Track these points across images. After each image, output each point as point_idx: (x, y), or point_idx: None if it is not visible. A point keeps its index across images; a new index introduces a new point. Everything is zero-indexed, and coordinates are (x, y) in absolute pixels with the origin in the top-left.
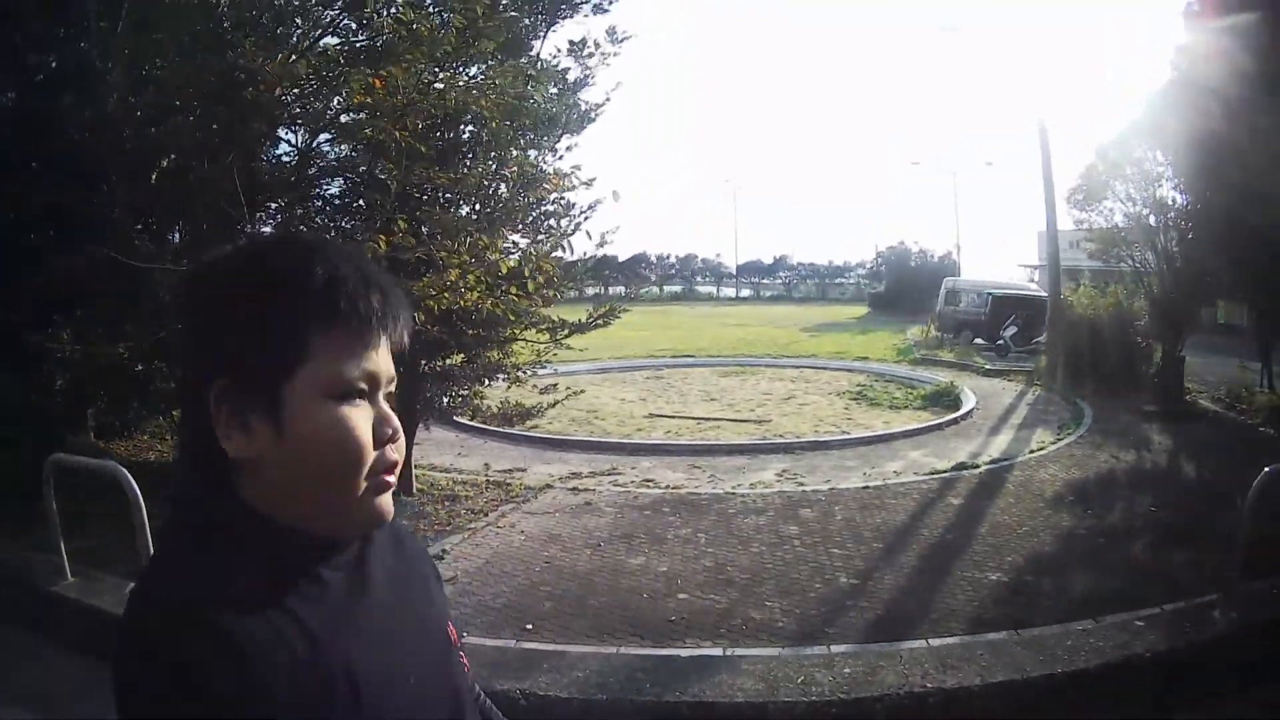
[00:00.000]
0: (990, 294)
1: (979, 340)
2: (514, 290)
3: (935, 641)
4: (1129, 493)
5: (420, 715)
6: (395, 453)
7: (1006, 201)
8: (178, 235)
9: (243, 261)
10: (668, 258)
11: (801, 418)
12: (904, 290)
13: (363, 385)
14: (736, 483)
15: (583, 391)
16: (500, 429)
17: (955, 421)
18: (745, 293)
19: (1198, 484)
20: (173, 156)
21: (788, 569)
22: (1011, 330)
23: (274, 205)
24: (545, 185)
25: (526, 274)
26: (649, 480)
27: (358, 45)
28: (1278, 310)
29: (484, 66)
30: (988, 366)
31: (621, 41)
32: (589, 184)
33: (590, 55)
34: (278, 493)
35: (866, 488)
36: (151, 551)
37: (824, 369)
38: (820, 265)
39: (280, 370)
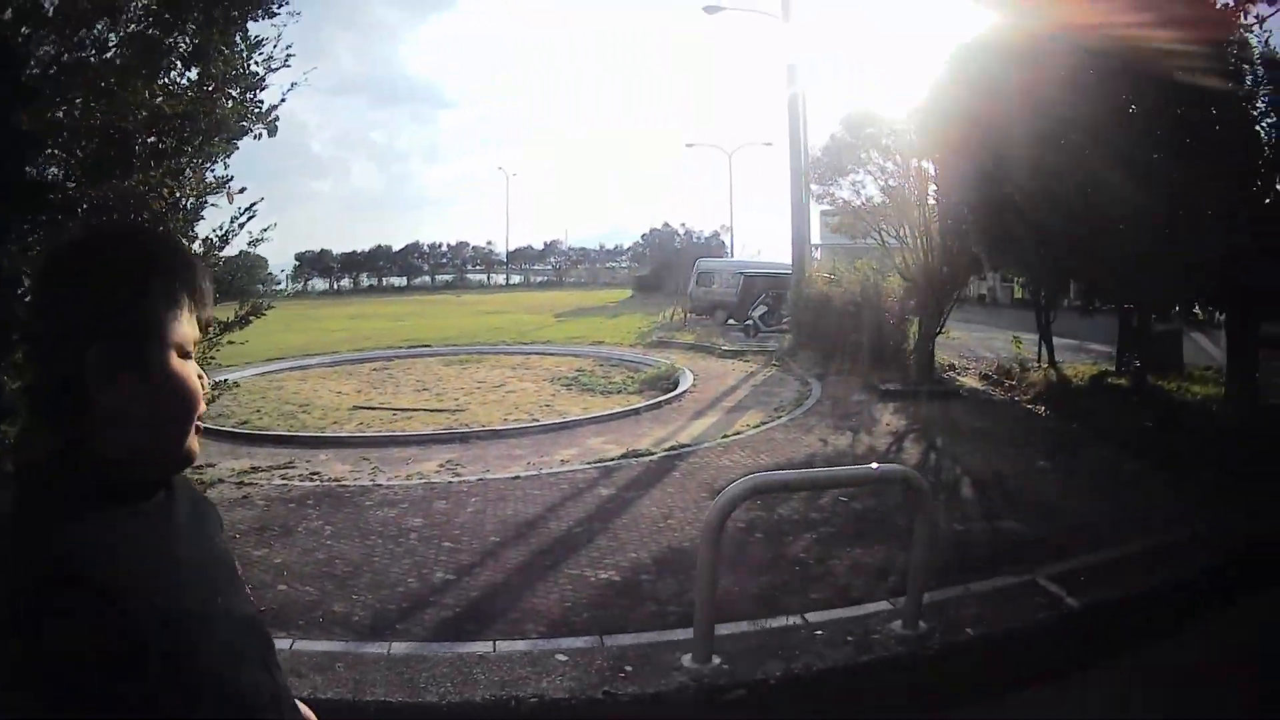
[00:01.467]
0: (742, 274)
1: (732, 321)
2: None
3: (503, 645)
4: None
5: (240, 639)
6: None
7: (786, 181)
8: None
9: (115, 245)
10: (440, 246)
11: (501, 406)
12: (668, 272)
13: (189, 347)
14: (395, 474)
15: (237, 386)
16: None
17: (658, 406)
18: (516, 279)
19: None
20: None
21: (392, 563)
22: (761, 310)
23: None
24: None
25: None
26: (315, 473)
27: None
28: (1057, 286)
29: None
30: (725, 348)
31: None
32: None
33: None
34: (129, 437)
35: (517, 478)
36: None
37: (551, 355)
38: (591, 249)
39: (147, 334)
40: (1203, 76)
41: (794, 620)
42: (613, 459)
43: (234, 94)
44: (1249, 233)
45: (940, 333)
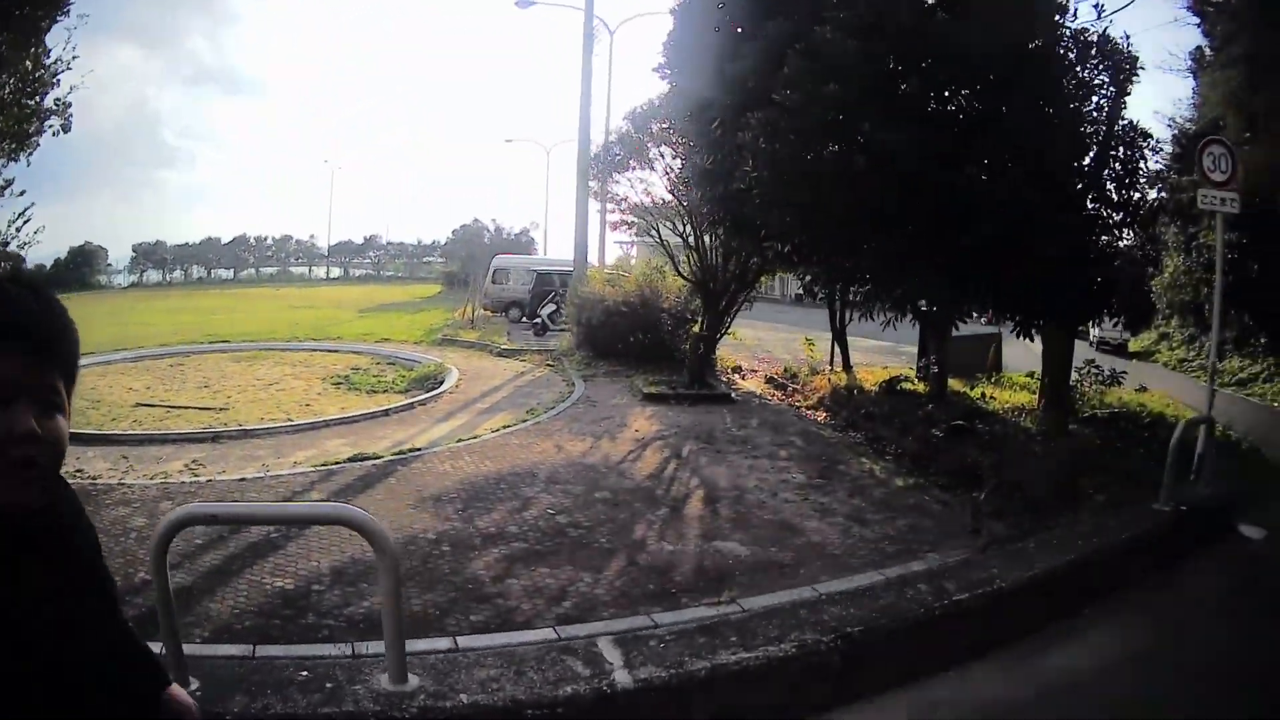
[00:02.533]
0: (534, 271)
1: (525, 319)
2: None
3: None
4: (532, 490)
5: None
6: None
7: None
8: None
9: None
10: (265, 239)
11: (265, 405)
12: (476, 268)
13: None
14: (143, 474)
15: None
16: None
17: (410, 407)
18: (336, 273)
19: (639, 484)
20: None
21: None
22: (549, 308)
23: None
24: None
25: None
26: (79, 470)
27: None
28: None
29: None
30: (504, 346)
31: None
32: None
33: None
34: None
35: (244, 480)
36: None
37: (336, 352)
38: (409, 244)
39: None
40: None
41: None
42: (339, 463)
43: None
44: (1037, 233)
45: (725, 334)
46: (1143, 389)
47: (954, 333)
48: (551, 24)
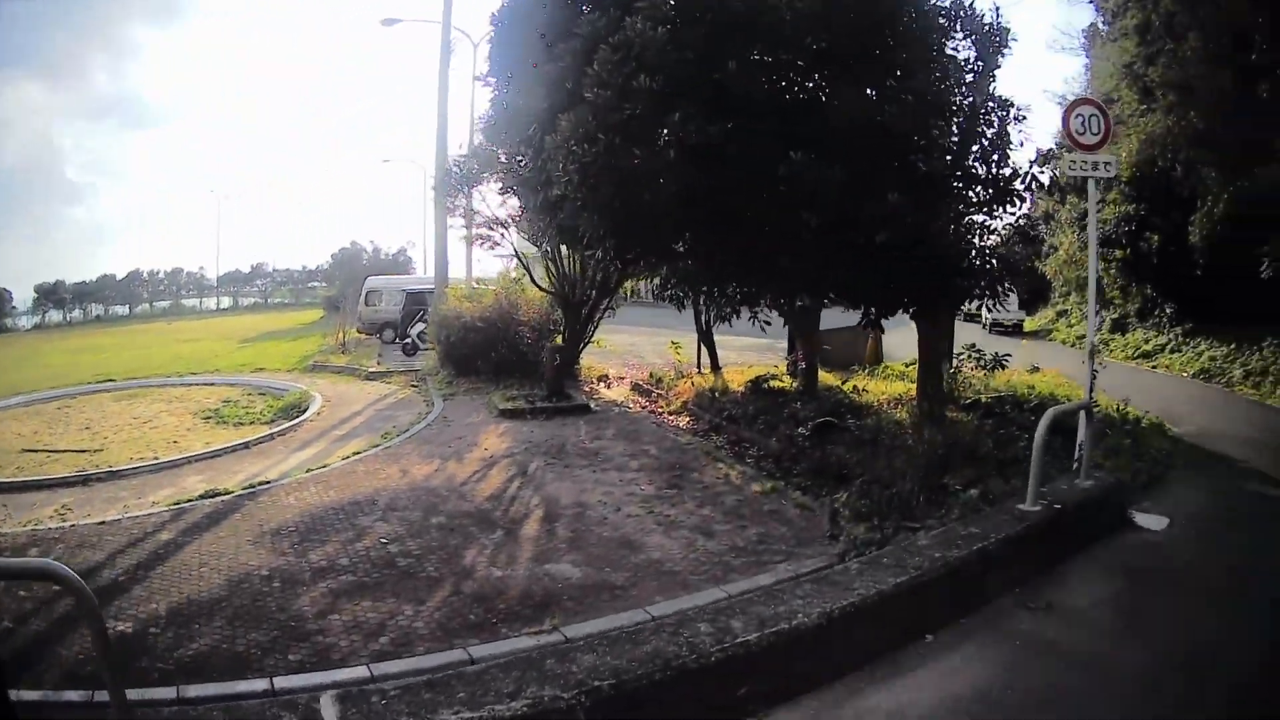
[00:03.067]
0: (404, 291)
1: (398, 340)
2: None
3: None
4: (369, 519)
5: None
6: None
7: None
8: None
9: None
10: (158, 273)
11: (137, 445)
12: (355, 291)
13: None
14: (16, 522)
15: None
16: None
17: (270, 438)
18: (226, 303)
19: (477, 507)
20: None
21: None
22: (419, 327)
23: None
24: None
25: None
26: None
27: None
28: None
29: None
30: (371, 370)
31: None
32: None
33: None
34: None
35: (103, 523)
36: None
37: (212, 385)
38: (295, 271)
39: None
40: None
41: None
42: (191, 500)
43: None
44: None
45: (589, 343)
46: (1035, 369)
47: (827, 325)
48: (421, 41)
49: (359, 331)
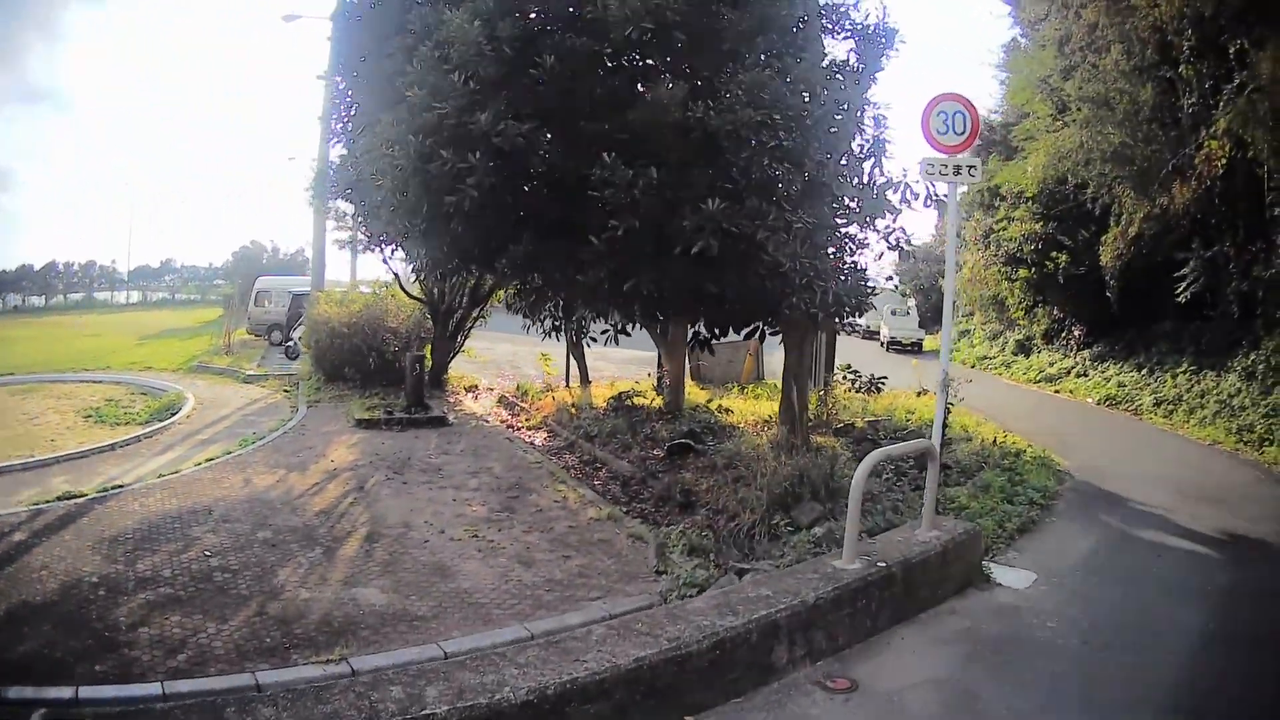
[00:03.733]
0: (291, 293)
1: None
2: None
3: None
4: (201, 530)
5: None
6: None
7: None
8: None
9: None
10: (72, 265)
11: (21, 441)
12: (247, 291)
13: None
14: None
15: None
16: None
17: (138, 439)
18: (136, 298)
19: (305, 522)
20: None
21: None
22: (300, 330)
23: None
24: None
25: None
26: None
27: None
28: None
29: None
30: (250, 372)
31: None
32: None
33: None
34: None
35: None
36: None
37: (99, 383)
38: (202, 267)
39: None
40: None
41: None
42: (48, 502)
43: None
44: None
45: (458, 352)
46: (922, 393)
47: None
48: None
49: (249, 332)
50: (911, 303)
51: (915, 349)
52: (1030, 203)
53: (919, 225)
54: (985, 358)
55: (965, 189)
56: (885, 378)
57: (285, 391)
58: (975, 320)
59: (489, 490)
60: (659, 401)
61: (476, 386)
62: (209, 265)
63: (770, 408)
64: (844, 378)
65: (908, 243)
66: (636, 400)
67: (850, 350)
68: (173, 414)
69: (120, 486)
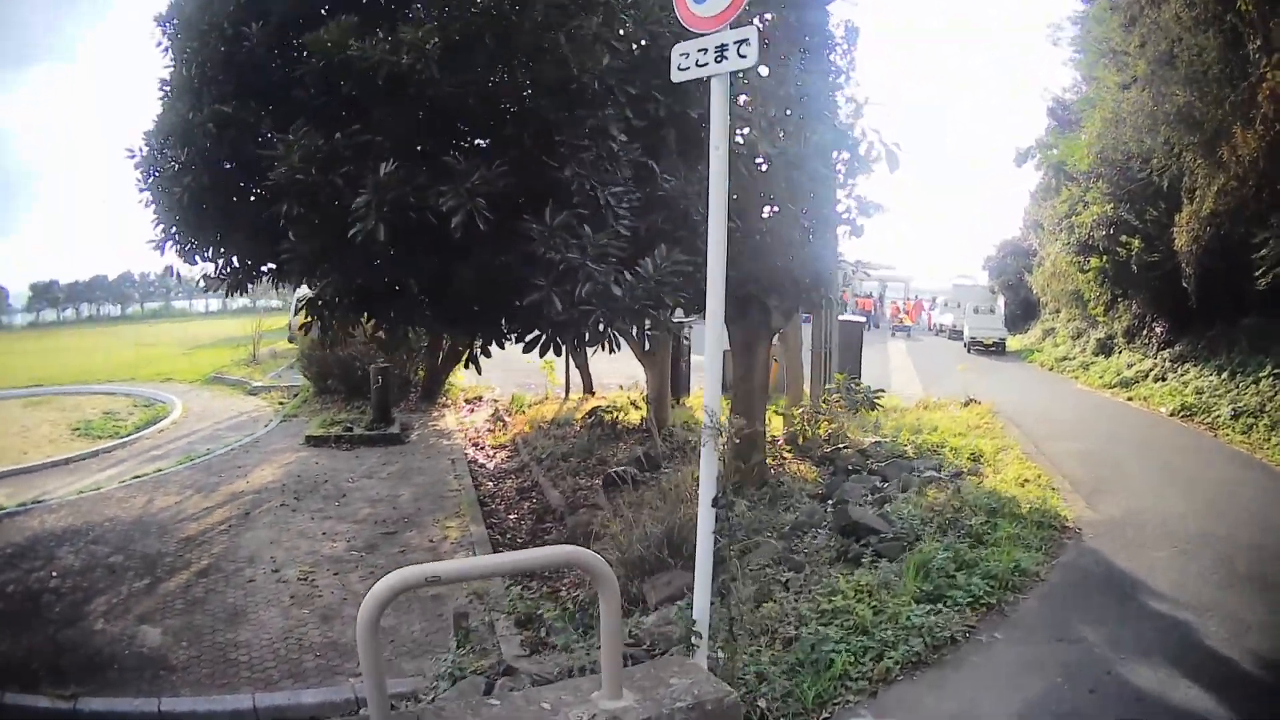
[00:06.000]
0: None
1: None
2: None
3: None
4: (62, 550)
5: None
6: None
7: None
8: None
9: None
10: (149, 275)
11: (8, 452)
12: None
13: None
14: None
15: None
16: None
17: (96, 454)
18: (215, 306)
19: (164, 549)
20: None
21: None
22: None
23: None
24: None
25: None
26: None
27: None
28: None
29: None
30: (257, 384)
31: None
32: None
33: None
34: None
35: None
36: None
37: (115, 394)
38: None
39: None
40: None
41: None
42: None
43: None
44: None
45: (458, 361)
46: (969, 403)
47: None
48: None
49: (289, 340)
50: (1000, 300)
51: (997, 350)
52: (1100, 181)
53: (1008, 213)
54: (1065, 359)
55: (741, 73)
56: (882, 390)
57: (281, 403)
58: (1060, 318)
59: (372, 524)
60: (636, 416)
61: (481, 397)
62: None
63: (778, 422)
64: (837, 390)
65: (862, 212)
66: (616, 415)
67: (929, 351)
68: (153, 427)
69: (39, 502)
